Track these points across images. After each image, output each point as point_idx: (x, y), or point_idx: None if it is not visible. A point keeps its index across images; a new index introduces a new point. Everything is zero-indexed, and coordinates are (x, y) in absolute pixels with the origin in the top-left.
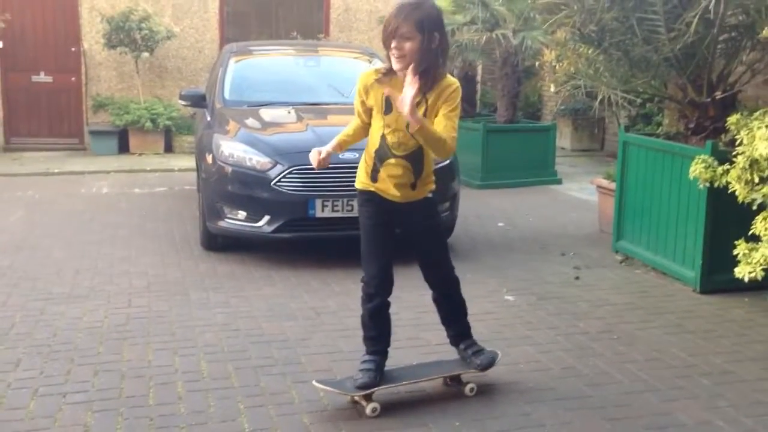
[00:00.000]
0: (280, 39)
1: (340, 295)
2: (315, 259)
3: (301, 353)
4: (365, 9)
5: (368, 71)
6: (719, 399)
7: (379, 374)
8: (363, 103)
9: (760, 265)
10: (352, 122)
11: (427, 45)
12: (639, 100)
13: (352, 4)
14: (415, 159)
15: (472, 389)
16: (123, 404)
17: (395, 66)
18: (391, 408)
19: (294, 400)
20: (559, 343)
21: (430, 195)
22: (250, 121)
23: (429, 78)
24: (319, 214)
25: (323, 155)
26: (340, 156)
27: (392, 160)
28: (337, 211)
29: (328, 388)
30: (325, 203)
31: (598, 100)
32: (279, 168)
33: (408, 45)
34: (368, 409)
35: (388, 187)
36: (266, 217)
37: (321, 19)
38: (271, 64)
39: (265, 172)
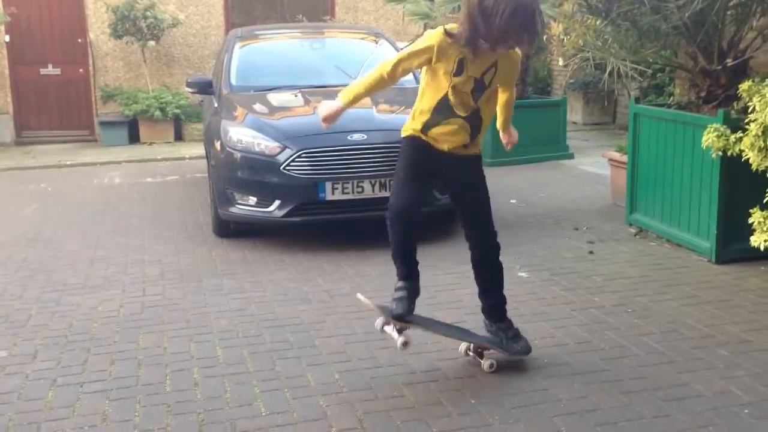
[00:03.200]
0: (286, 22)
1: (353, 277)
2: (327, 242)
3: (316, 336)
4: None
5: (439, 32)
6: (737, 368)
7: (412, 302)
8: (432, 54)
9: None
10: (375, 74)
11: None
12: (649, 71)
13: None
14: (474, 119)
15: (492, 365)
16: (140, 392)
17: (495, 47)
18: (406, 387)
19: (309, 383)
20: (575, 318)
21: (478, 151)
22: (258, 106)
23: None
24: (329, 197)
25: (336, 114)
26: (348, 138)
27: (452, 119)
28: (348, 193)
29: (368, 302)
30: (335, 186)
31: (608, 72)
32: (288, 152)
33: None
34: (399, 342)
35: (439, 142)
36: (277, 202)
37: (326, 1)
38: (276, 48)
39: (273, 156)
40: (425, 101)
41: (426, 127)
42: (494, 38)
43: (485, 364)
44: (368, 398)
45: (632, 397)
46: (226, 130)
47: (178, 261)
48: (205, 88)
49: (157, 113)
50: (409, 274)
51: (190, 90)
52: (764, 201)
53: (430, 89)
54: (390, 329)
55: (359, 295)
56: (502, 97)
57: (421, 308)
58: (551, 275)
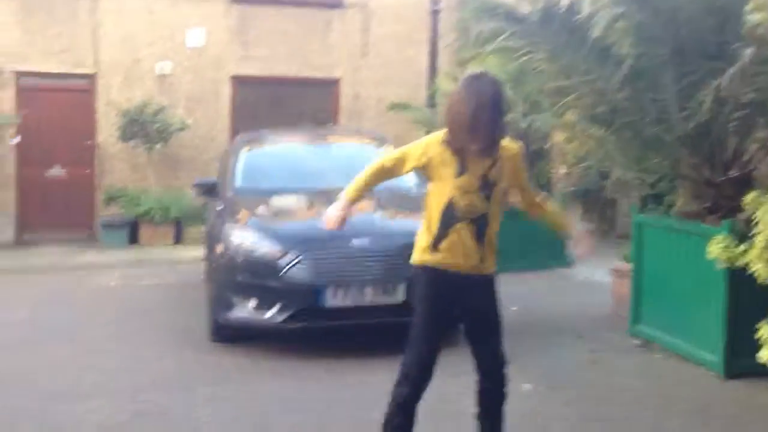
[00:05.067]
0: (291, 128)
1: (353, 387)
2: (325, 349)
3: None
4: (374, 96)
5: (437, 136)
6: None
7: None
8: (428, 160)
9: None
10: (373, 169)
11: (500, 117)
12: (650, 181)
13: (361, 92)
14: (482, 222)
15: None
16: None
17: (478, 146)
18: None
19: None
20: None
21: (494, 272)
22: (261, 209)
23: (498, 147)
24: (330, 303)
25: (342, 215)
26: (350, 243)
27: (459, 225)
28: (349, 299)
29: None
30: (337, 292)
31: (610, 180)
32: (289, 256)
33: (492, 126)
34: None
35: (452, 256)
36: (276, 307)
37: (332, 108)
38: (282, 152)
39: (275, 260)
40: (432, 210)
41: (436, 240)
42: (471, 139)
43: None
44: None
45: None
46: (229, 233)
47: (169, 367)
48: (210, 189)
49: (158, 216)
50: None
51: (196, 192)
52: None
53: (434, 197)
54: None
55: None
56: (527, 200)
57: (425, 420)
58: (552, 387)
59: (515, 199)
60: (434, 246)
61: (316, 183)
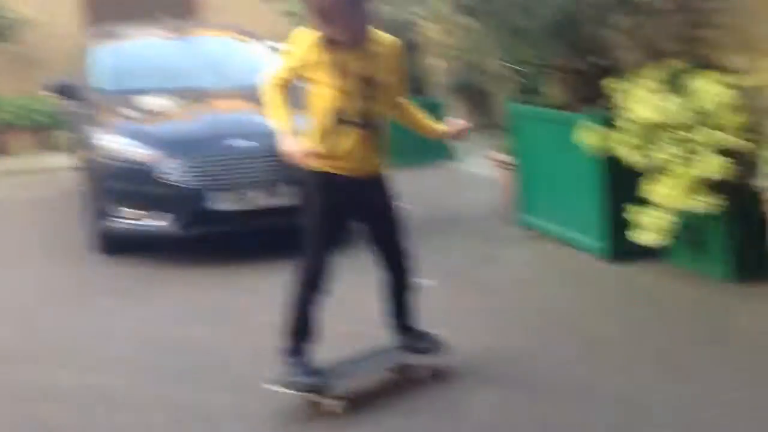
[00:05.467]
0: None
1: (247, 292)
2: (216, 255)
3: (216, 357)
4: None
5: (307, 32)
6: (637, 367)
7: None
8: (305, 65)
9: (657, 230)
10: (276, 90)
11: (366, 7)
12: (524, 71)
13: None
14: (371, 126)
15: (427, 374)
16: (32, 429)
17: (347, 36)
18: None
19: (212, 408)
20: (476, 324)
21: (385, 171)
22: (130, 112)
23: (370, 36)
24: (214, 207)
25: (300, 143)
26: (231, 145)
27: (349, 129)
28: (233, 203)
29: (283, 386)
30: (221, 195)
31: (485, 71)
32: (168, 160)
33: (358, 15)
34: (338, 408)
35: (343, 161)
36: (159, 215)
37: (198, 1)
38: (145, 49)
39: (152, 165)
40: (317, 115)
41: (322, 144)
42: (336, 30)
43: (421, 373)
44: (278, 422)
45: (543, 401)
46: (99, 139)
47: (59, 284)
48: (64, 90)
49: (24, 122)
50: (308, 345)
51: (48, 94)
52: (642, 198)
53: (318, 101)
54: (319, 399)
55: (269, 384)
56: (396, 105)
57: (325, 323)
58: (452, 282)
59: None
60: (321, 150)
61: (185, 82)
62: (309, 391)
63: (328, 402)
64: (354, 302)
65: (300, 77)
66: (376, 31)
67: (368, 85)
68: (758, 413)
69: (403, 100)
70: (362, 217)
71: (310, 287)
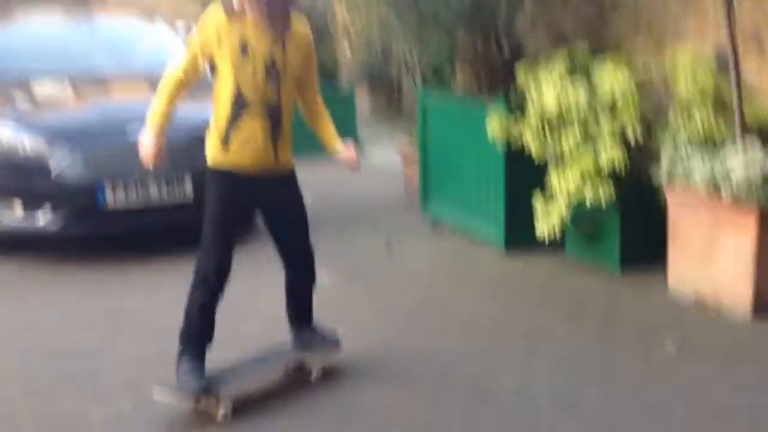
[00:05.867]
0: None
1: (140, 295)
2: (109, 254)
3: (101, 363)
4: None
5: (214, 11)
6: (534, 361)
7: (204, 369)
8: (210, 41)
9: (556, 222)
10: (169, 86)
11: None
12: (432, 59)
13: None
14: (274, 116)
15: (317, 375)
16: None
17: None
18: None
19: (93, 420)
20: (377, 323)
21: (291, 166)
22: (18, 97)
23: (282, 18)
24: (110, 204)
25: (155, 146)
26: (128, 136)
27: (250, 116)
28: (131, 198)
29: (172, 393)
30: (117, 190)
31: (395, 59)
32: (58, 151)
33: None
34: (220, 414)
35: (245, 155)
36: (47, 211)
37: None
38: (37, 30)
39: (41, 156)
40: (219, 104)
41: (225, 136)
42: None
43: (313, 373)
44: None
45: (441, 400)
46: None
47: None
48: None
49: None
50: (203, 348)
51: None
52: (543, 187)
53: (221, 89)
54: (206, 405)
55: (156, 391)
56: (309, 100)
57: (220, 323)
58: (351, 276)
59: (299, 98)
60: (224, 142)
61: (80, 67)
62: (196, 397)
63: (212, 408)
64: (254, 300)
65: (205, 61)
66: (294, 15)
67: (273, 71)
68: (637, 393)
69: (316, 100)
70: (265, 213)
71: (206, 287)
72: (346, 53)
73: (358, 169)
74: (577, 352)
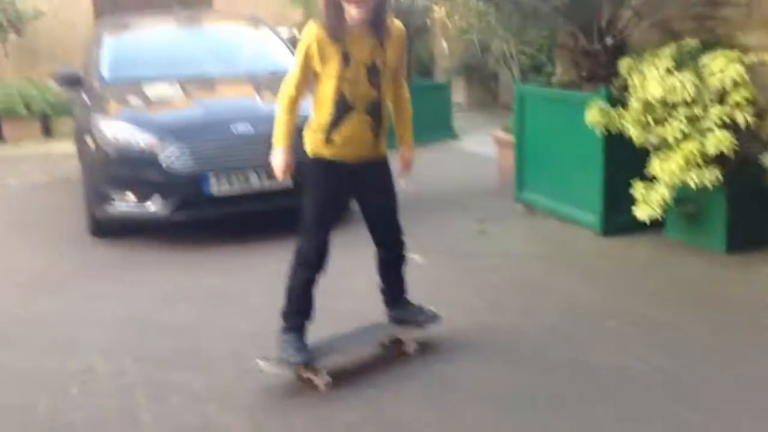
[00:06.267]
0: (160, 10)
1: (240, 272)
2: (213, 238)
3: (204, 338)
4: None
5: (314, 26)
6: (631, 341)
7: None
8: (313, 58)
9: (658, 204)
10: (285, 104)
11: None
12: (530, 51)
13: None
14: (375, 112)
15: (414, 348)
16: (12, 417)
17: (357, 15)
18: (299, 384)
19: (197, 388)
20: (471, 301)
21: (385, 153)
22: (132, 99)
23: (384, 24)
24: (214, 191)
25: (285, 162)
26: (231, 130)
27: (353, 116)
28: (234, 186)
29: (276, 365)
30: (220, 179)
31: (493, 53)
32: (167, 145)
33: None
34: (322, 384)
35: (347, 149)
36: (159, 199)
37: None
38: (151, 38)
39: (152, 151)
40: (322, 102)
41: (328, 133)
42: (353, 9)
43: (408, 347)
44: (263, 400)
45: (536, 378)
46: (99, 126)
47: (51, 267)
48: (73, 81)
49: (22, 109)
50: (304, 324)
51: (58, 84)
52: (644, 174)
53: (323, 88)
54: (308, 376)
55: (260, 362)
56: (393, 92)
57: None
58: (445, 257)
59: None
60: (327, 140)
61: (190, 70)
62: (298, 369)
63: (313, 378)
64: (350, 279)
65: (313, 67)
66: (389, 18)
67: (374, 72)
68: (750, 381)
69: (402, 90)
70: (359, 196)
71: (308, 267)
72: (443, 48)
73: (408, 173)
74: (681, 332)
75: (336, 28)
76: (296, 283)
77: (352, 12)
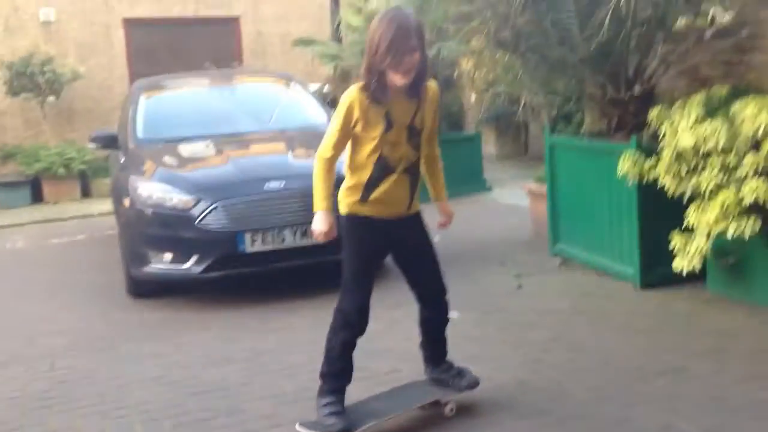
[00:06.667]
0: (193, 71)
1: (278, 332)
2: (249, 296)
3: (243, 400)
4: (277, 33)
5: (355, 90)
6: (676, 399)
7: (344, 411)
8: (354, 121)
9: (696, 256)
10: (322, 167)
11: (424, 53)
12: (559, 101)
13: (263, 29)
14: (414, 171)
15: (452, 409)
16: None
17: (401, 82)
18: None
19: None
20: (510, 358)
21: (419, 208)
22: (167, 159)
23: (424, 86)
24: (249, 249)
25: (327, 224)
26: (265, 186)
27: (393, 176)
28: (268, 244)
29: (316, 430)
30: (255, 237)
31: (521, 105)
32: (202, 205)
33: (416, 56)
34: None
35: (383, 206)
36: (194, 258)
37: (234, 47)
38: (184, 97)
39: (187, 210)
40: (360, 163)
41: (365, 193)
42: (396, 73)
43: (446, 409)
44: None
45: None
46: (135, 186)
47: (89, 327)
48: (110, 142)
49: (61, 170)
50: (343, 387)
51: (94, 146)
52: (683, 225)
53: (361, 149)
54: None
55: (299, 429)
56: (426, 152)
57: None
58: (483, 313)
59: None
60: (364, 199)
61: (223, 128)
62: None
63: None
64: (386, 339)
65: (353, 128)
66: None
67: (413, 131)
68: None
69: (434, 148)
70: (397, 253)
71: (349, 328)
72: (471, 100)
73: (448, 227)
74: (726, 390)
75: (379, 93)
76: (336, 344)
77: (396, 79)
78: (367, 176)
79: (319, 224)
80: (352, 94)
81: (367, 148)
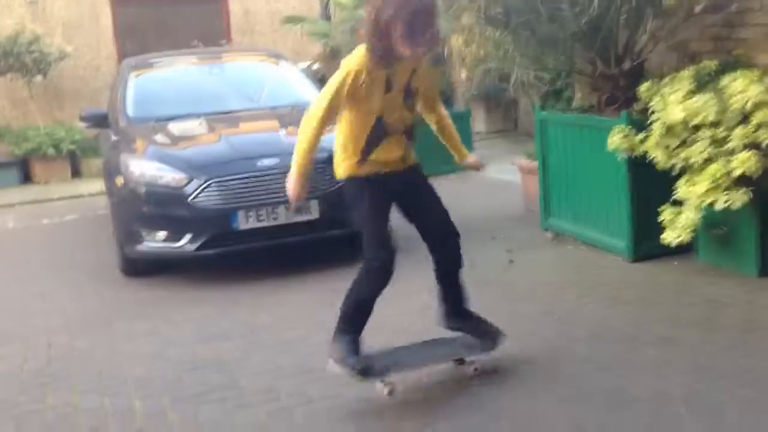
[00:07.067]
0: (181, 49)
1: (273, 308)
2: (244, 273)
3: (240, 375)
4: (265, 11)
5: (359, 54)
6: (666, 367)
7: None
8: (355, 82)
9: (686, 228)
10: (311, 126)
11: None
12: (549, 78)
13: (251, 7)
14: (411, 132)
15: (476, 369)
16: None
17: (409, 55)
18: (340, 421)
19: (236, 427)
20: (504, 331)
21: (417, 162)
22: (159, 137)
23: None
24: (243, 226)
25: (300, 185)
26: (258, 163)
27: (391, 138)
28: (262, 221)
29: (339, 366)
30: (249, 214)
31: (512, 81)
32: (195, 182)
33: (431, 32)
34: (386, 391)
35: (380, 165)
36: (188, 236)
37: (221, 26)
38: (174, 75)
39: (180, 188)
40: (356, 128)
41: (363, 157)
42: (404, 42)
43: (469, 369)
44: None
45: (573, 408)
46: (127, 164)
47: (84, 306)
48: (100, 120)
49: (51, 150)
50: (361, 332)
51: (84, 124)
52: (672, 198)
53: (358, 115)
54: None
55: (330, 367)
56: (434, 118)
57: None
58: (475, 287)
59: (427, 113)
60: (362, 161)
61: (213, 106)
62: (357, 373)
63: (379, 389)
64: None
65: (353, 89)
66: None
67: (409, 92)
68: None
69: (442, 113)
70: (403, 204)
71: (383, 275)
72: (461, 76)
73: (483, 169)
74: (715, 358)
75: (385, 58)
76: (369, 290)
77: (404, 50)
78: (363, 139)
79: (292, 184)
80: (358, 57)
81: (364, 109)
